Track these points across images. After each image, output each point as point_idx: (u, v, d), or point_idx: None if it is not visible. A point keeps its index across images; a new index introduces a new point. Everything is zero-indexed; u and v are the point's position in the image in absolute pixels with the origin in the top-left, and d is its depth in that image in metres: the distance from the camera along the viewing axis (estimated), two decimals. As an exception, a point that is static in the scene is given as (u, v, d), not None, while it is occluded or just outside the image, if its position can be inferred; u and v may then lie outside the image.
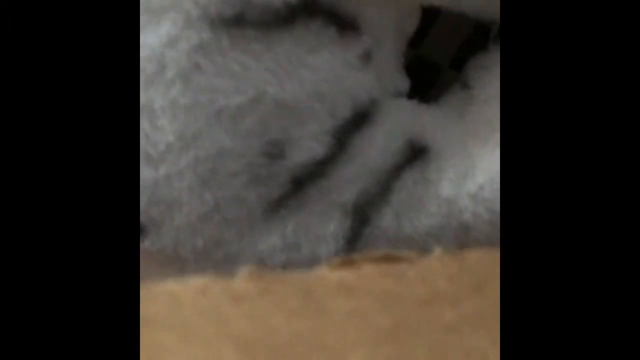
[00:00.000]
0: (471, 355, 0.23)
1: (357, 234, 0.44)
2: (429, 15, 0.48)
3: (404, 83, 0.46)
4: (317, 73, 0.43)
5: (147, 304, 0.22)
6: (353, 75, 0.44)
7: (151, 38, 0.41)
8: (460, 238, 0.43)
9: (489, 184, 0.44)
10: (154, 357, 0.20)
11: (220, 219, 0.43)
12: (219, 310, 0.22)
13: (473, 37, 0.48)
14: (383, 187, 0.45)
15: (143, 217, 0.43)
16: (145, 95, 0.42)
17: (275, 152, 0.43)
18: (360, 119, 0.44)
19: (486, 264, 0.27)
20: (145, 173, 0.43)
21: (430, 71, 0.49)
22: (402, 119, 0.45)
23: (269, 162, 0.43)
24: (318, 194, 0.44)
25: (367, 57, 0.44)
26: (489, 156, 0.44)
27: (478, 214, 0.44)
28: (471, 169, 0.44)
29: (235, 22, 0.42)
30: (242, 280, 0.23)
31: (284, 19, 0.43)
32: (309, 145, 0.43)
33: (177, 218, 0.43)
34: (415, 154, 0.45)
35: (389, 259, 0.27)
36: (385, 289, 0.25)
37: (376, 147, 0.45)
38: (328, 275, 0.25)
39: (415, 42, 0.49)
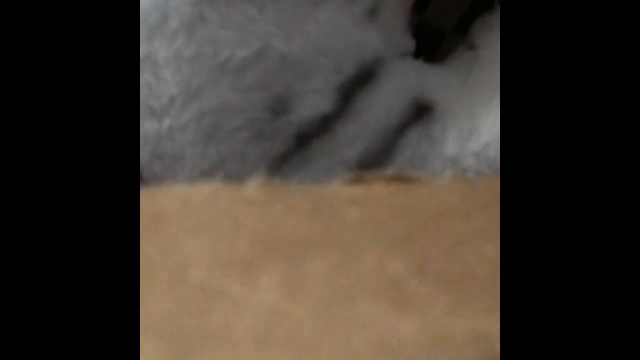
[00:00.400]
0: (483, 263, 0.22)
1: (361, 193, 0.44)
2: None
3: (409, 43, 0.46)
4: (323, 27, 0.43)
5: (156, 202, 0.22)
6: (359, 32, 0.44)
7: (156, -13, 0.41)
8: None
9: (493, 143, 0.44)
10: (164, 248, 0.20)
11: (223, 174, 0.43)
12: (229, 212, 0.22)
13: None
14: (387, 145, 0.44)
15: (145, 172, 0.43)
16: (148, 47, 0.42)
17: (279, 107, 0.43)
18: (365, 77, 0.44)
19: (494, 188, 0.26)
20: (148, 126, 0.42)
21: (435, 37, 0.49)
22: (407, 78, 0.45)
23: (274, 117, 0.43)
24: (322, 150, 0.43)
25: (373, 14, 0.44)
26: (493, 115, 0.44)
27: (482, 172, 0.44)
28: (476, 128, 0.44)
29: (241, -26, 0.42)
30: (253, 187, 0.23)
31: (291, -28, 0.42)
32: (313, 101, 0.43)
33: (180, 173, 0.43)
34: (420, 112, 0.45)
35: (400, 179, 0.27)
36: (397, 202, 0.25)
37: (381, 104, 0.44)
38: (339, 189, 0.25)
39: (420, 7, 0.49)
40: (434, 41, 0.49)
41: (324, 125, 0.44)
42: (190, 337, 0.18)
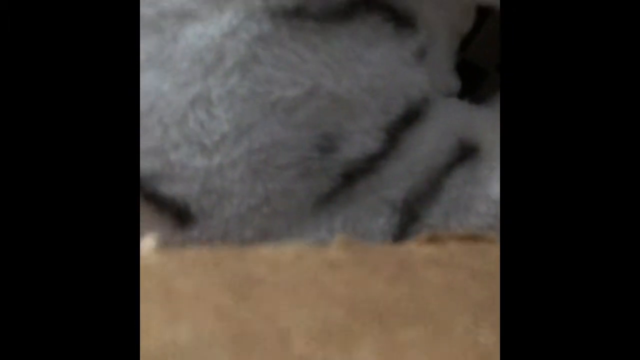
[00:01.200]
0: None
1: (405, 231, 0.44)
2: (476, 18, 0.49)
3: (455, 83, 0.46)
4: (373, 68, 0.43)
5: (247, 265, 0.23)
6: (407, 72, 0.44)
7: (212, 28, 0.42)
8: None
9: (537, 185, 0.44)
10: (261, 315, 0.21)
11: (269, 210, 0.43)
12: (316, 275, 0.22)
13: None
14: (433, 185, 0.45)
15: (194, 207, 0.43)
16: (203, 84, 0.42)
17: (327, 145, 0.43)
18: (412, 116, 0.45)
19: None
20: (199, 162, 0.43)
21: (477, 74, 0.49)
22: (453, 117, 0.45)
23: (321, 155, 0.44)
24: (368, 189, 0.44)
25: (421, 54, 0.44)
26: (537, 157, 0.44)
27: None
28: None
29: (295, 14, 0.42)
30: (336, 248, 0.23)
31: (343, 13, 0.43)
32: (361, 140, 0.44)
33: (228, 208, 0.43)
34: (466, 153, 0.45)
35: (472, 238, 0.27)
36: (474, 265, 0.25)
37: (427, 144, 0.45)
38: (416, 249, 0.26)
39: (462, 45, 0.49)
40: (476, 79, 0.49)
41: (370, 164, 0.44)
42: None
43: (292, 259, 0.23)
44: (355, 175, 0.44)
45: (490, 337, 0.21)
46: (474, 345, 0.21)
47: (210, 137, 0.43)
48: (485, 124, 0.46)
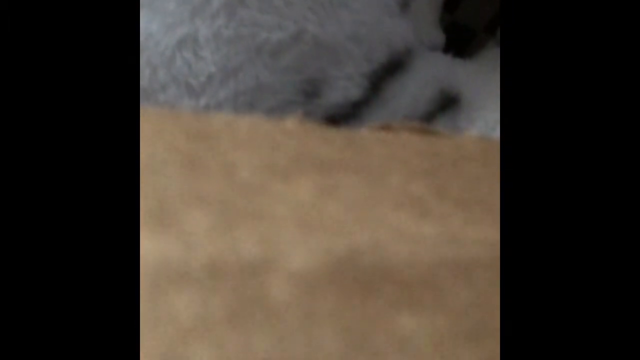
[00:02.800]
0: (497, 190, 0.24)
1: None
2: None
3: (439, 37, 0.47)
4: (357, 15, 0.45)
5: (202, 122, 0.24)
6: (391, 22, 0.45)
7: (201, -31, 0.43)
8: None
9: (517, 135, 0.45)
10: (215, 155, 0.22)
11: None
12: (268, 134, 0.24)
13: None
14: (414, 132, 0.46)
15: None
16: (190, 25, 0.43)
17: (311, 90, 0.45)
18: (395, 66, 0.46)
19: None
20: (186, 103, 0.44)
21: (466, 35, 0.50)
22: (435, 69, 0.46)
23: (305, 99, 0.45)
24: (350, 135, 0.45)
25: (406, 5, 0.45)
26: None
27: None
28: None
29: (281, -41, 0.44)
30: (293, 121, 0.25)
31: (329, -40, 0.44)
32: (344, 86, 0.45)
33: (213, 149, 0.44)
34: (447, 102, 0.46)
35: (425, 131, 0.28)
36: (421, 147, 0.26)
37: (409, 94, 0.46)
38: (369, 132, 0.27)
39: (452, 7, 0.50)
40: (464, 39, 0.50)
41: (353, 110, 0.45)
42: (238, 212, 0.19)
43: (249, 122, 0.24)
44: (337, 120, 0.45)
45: (420, 189, 0.22)
46: (404, 192, 0.22)
47: (197, 78, 0.44)
48: (467, 76, 0.47)
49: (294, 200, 0.21)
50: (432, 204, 0.22)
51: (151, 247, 0.18)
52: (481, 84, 0.46)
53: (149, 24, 0.44)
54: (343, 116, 0.45)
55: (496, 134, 0.45)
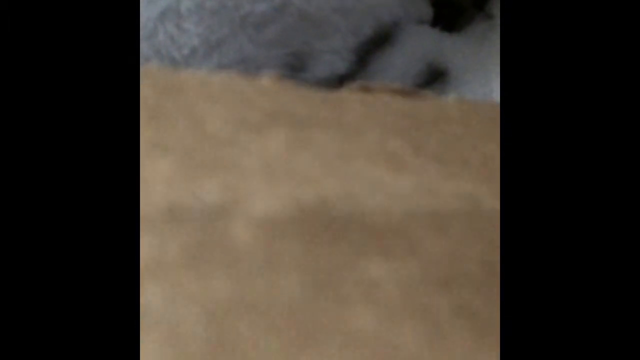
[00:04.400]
0: (479, 154, 0.23)
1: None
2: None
3: (427, 10, 0.47)
4: (342, -13, 0.44)
5: (177, 78, 0.23)
6: (377, -6, 0.45)
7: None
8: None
9: (506, 110, 0.44)
10: (183, 108, 0.21)
11: (238, 127, 0.44)
12: (243, 93, 0.23)
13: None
14: (401, 107, 0.45)
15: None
16: (173, -3, 0.43)
17: (297, 63, 0.44)
18: (382, 39, 0.45)
19: (496, 113, 0.27)
20: (168, 76, 0.43)
21: (454, 10, 0.50)
22: (423, 43, 0.46)
23: (291, 73, 0.44)
24: (336, 109, 0.44)
25: (392, -23, 0.45)
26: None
27: (494, 136, 0.44)
28: (489, 94, 0.45)
29: None
30: (268, 79, 0.24)
31: None
32: (330, 60, 0.44)
33: (197, 124, 0.44)
34: (435, 76, 0.46)
35: (407, 92, 0.28)
36: (400, 107, 0.26)
37: (396, 67, 0.45)
38: (348, 92, 0.26)
39: (439, -18, 0.50)
40: (452, 13, 0.50)
41: (339, 84, 0.45)
42: (202, 161, 0.19)
43: (223, 79, 0.23)
44: (323, 94, 0.44)
45: (397, 144, 0.21)
46: (380, 147, 0.22)
47: (180, 51, 0.44)
48: (455, 50, 0.46)
49: (263, 152, 0.20)
50: (408, 159, 0.22)
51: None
52: (469, 58, 0.46)
53: (130, -5, 0.43)
54: (329, 90, 0.45)
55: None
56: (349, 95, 0.26)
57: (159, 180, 0.18)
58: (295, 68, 0.45)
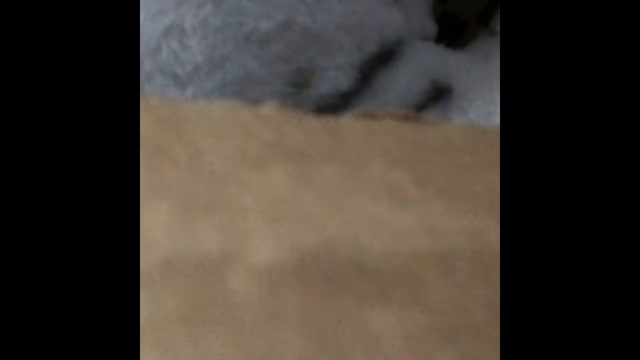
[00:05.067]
0: (484, 184, 0.23)
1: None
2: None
3: (431, 27, 0.47)
4: (348, 4, 0.44)
5: (177, 110, 0.23)
6: (383, 11, 0.44)
7: (186, -43, 0.42)
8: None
9: (510, 127, 0.44)
10: (183, 141, 0.21)
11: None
12: (244, 124, 0.23)
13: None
14: (405, 124, 0.45)
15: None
16: (176, 14, 0.43)
17: (301, 80, 0.44)
18: (386, 56, 0.45)
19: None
20: (172, 93, 0.43)
21: (458, 25, 0.49)
22: (427, 60, 0.45)
23: (295, 90, 0.44)
24: (340, 126, 0.44)
25: (396, -5, 0.45)
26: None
27: (498, 154, 0.44)
28: (493, 110, 0.44)
29: (269, -53, 0.43)
30: (269, 107, 0.24)
31: (318, -52, 0.43)
32: (334, 77, 0.44)
33: (200, 141, 0.44)
34: (439, 93, 0.45)
35: (411, 118, 0.27)
36: (405, 134, 0.25)
37: (400, 84, 0.45)
38: (350, 119, 0.26)
39: (444, -3, 0.50)
40: (456, 29, 0.49)
41: (343, 101, 0.44)
42: (201, 203, 0.18)
43: (223, 109, 0.23)
44: (327, 111, 0.44)
45: (401, 177, 0.21)
46: (384, 181, 0.21)
47: (184, 68, 0.43)
48: (459, 67, 0.46)
49: (264, 190, 0.20)
50: (412, 193, 0.21)
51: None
52: (473, 75, 0.45)
53: (134, 12, 0.43)
54: (333, 107, 0.45)
55: (487, 124, 0.44)
56: (351, 123, 0.26)
57: (158, 227, 0.18)
58: (299, 85, 0.45)
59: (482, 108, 0.45)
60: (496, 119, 0.45)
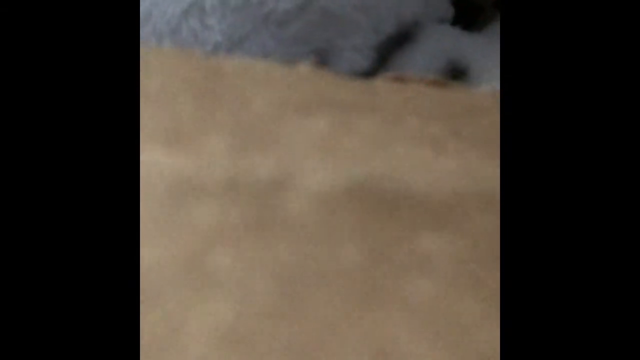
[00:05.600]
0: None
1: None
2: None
3: (447, 10, 0.47)
4: (364, -15, 0.44)
5: (218, 63, 0.23)
6: (399, -7, 0.45)
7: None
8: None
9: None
10: (228, 90, 0.21)
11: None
12: (283, 78, 0.23)
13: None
14: (421, 105, 0.45)
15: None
16: (197, -7, 0.43)
17: (319, 61, 0.44)
18: (403, 38, 0.45)
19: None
20: (191, 72, 0.44)
21: (473, 10, 0.50)
22: (444, 41, 0.46)
23: (312, 70, 0.44)
24: (357, 106, 0.44)
25: (414, -24, 0.45)
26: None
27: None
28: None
29: None
30: (305, 67, 0.24)
31: None
32: (351, 57, 0.44)
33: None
34: (455, 74, 0.46)
35: (439, 83, 0.28)
36: (436, 96, 0.26)
37: (416, 65, 0.45)
38: (381, 81, 0.26)
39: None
40: (472, 14, 0.50)
41: (361, 82, 0.45)
42: (254, 137, 0.19)
43: (264, 65, 0.23)
44: (344, 91, 0.44)
45: (437, 129, 0.22)
46: (421, 132, 0.22)
47: (203, 47, 0.44)
48: (474, 49, 0.46)
49: (310, 132, 0.20)
50: (449, 143, 0.22)
51: (168, 163, 0.18)
52: (489, 57, 0.46)
53: (155, -9, 0.43)
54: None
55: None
56: (383, 84, 0.26)
57: (216, 153, 0.18)
58: (317, 65, 0.45)
59: (497, 89, 0.46)
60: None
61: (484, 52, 0.47)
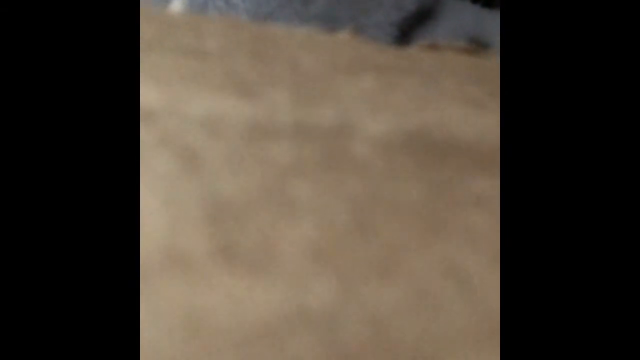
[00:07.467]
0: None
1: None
2: None
3: (467, -13, 0.48)
4: (387, -37, 0.45)
5: (265, 28, 0.24)
6: (420, -30, 0.46)
7: None
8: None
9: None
10: (278, 49, 0.23)
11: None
12: (325, 43, 0.24)
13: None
14: (443, 81, 0.46)
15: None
16: (222, -28, 0.44)
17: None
18: (424, 14, 0.46)
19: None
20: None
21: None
22: (465, 18, 0.47)
23: (336, 47, 0.45)
24: (380, 83, 0.45)
25: (435, -46, 0.46)
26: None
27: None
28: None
29: None
30: (345, 34, 0.25)
31: None
32: (374, 35, 0.45)
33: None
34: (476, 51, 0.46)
35: (472, 51, 0.29)
36: (469, 62, 0.27)
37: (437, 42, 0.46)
38: (416, 50, 0.27)
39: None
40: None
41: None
42: (310, 92, 0.20)
43: (306, 32, 0.24)
44: (367, 68, 0.45)
45: (475, 91, 0.23)
46: (460, 92, 0.23)
47: (229, 25, 0.44)
48: (495, 26, 0.47)
49: (359, 88, 0.21)
50: (487, 103, 0.23)
51: (239, 110, 0.19)
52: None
53: (181, -30, 0.44)
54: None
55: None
56: (419, 51, 0.27)
57: (281, 102, 0.19)
58: (354, 33, 0.46)
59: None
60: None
61: (503, 28, 0.48)
